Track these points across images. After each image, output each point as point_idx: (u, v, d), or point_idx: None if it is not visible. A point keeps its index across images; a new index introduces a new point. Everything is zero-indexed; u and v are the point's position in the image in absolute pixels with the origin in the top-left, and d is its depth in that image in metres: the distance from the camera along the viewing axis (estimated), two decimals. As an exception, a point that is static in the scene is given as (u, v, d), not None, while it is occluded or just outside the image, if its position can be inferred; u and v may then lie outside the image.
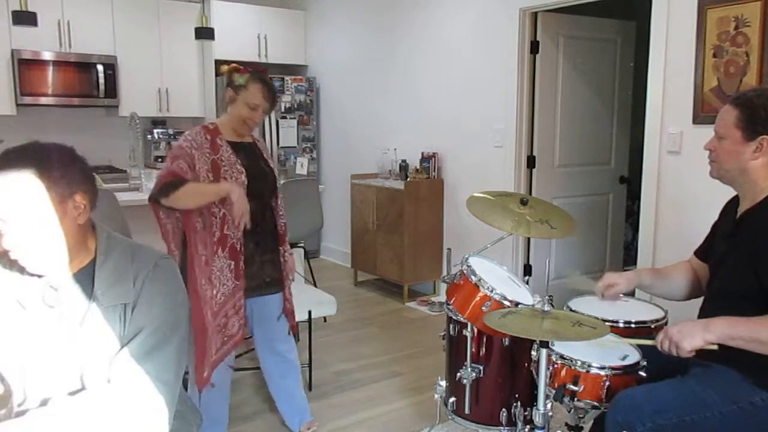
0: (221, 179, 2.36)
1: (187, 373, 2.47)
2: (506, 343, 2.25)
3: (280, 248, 2.63)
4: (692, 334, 1.67)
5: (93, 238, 1.46)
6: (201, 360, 2.42)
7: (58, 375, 1.41)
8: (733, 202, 1.94)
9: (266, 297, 2.58)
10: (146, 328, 1.41)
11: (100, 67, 5.38)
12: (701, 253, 2.10)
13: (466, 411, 2.30)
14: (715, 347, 1.67)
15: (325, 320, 4.25)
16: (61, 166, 1.36)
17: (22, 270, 1.41)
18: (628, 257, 5.07)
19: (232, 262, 2.42)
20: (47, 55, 5.18)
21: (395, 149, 5.21)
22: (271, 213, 2.59)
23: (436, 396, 2.43)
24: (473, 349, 2.26)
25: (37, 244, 1.35)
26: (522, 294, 2.28)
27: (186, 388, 2.43)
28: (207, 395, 2.50)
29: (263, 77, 2.48)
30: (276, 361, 2.70)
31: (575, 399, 1.83)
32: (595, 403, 1.84)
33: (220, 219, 2.40)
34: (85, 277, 1.42)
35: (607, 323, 1.96)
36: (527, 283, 2.41)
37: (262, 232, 2.52)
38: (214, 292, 2.40)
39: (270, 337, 2.66)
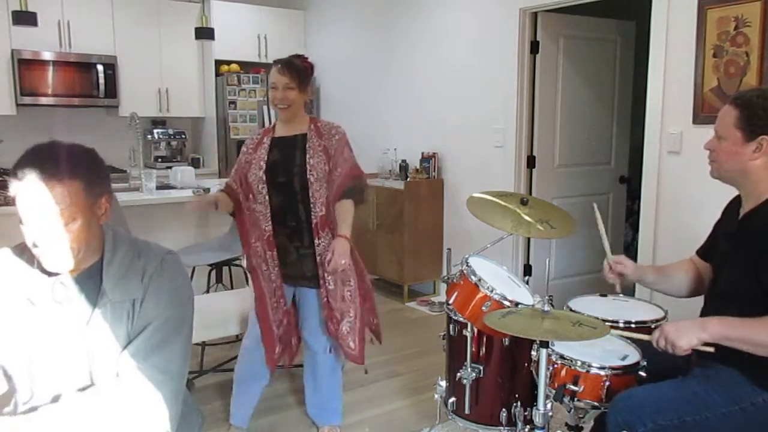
0: (246, 175, 2.58)
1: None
2: (506, 343, 2.25)
3: (315, 241, 2.55)
4: (688, 332, 1.67)
5: (102, 235, 1.48)
6: (269, 341, 2.62)
7: (66, 371, 1.42)
8: (736, 202, 1.93)
9: (304, 289, 2.63)
10: (153, 323, 1.43)
11: (100, 67, 5.38)
12: (703, 252, 2.09)
13: (466, 411, 2.30)
14: (712, 349, 1.66)
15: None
16: (94, 169, 1.39)
17: (31, 265, 1.42)
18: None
19: (272, 252, 2.57)
20: (47, 55, 5.18)
21: (395, 149, 5.20)
22: (305, 206, 2.52)
23: (436, 396, 2.43)
24: (473, 349, 2.26)
25: (62, 242, 1.35)
26: (522, 294, 2.28)
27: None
28: (251, 360, 2.68)
29: (282, 59, 2.56)
30: (308, 354, 2.75)
31: (575, 399, 1.83)
32: (595, 403, 1.84)
33: (252, 212, 2.59)
34: (94, 274, 1.44)
35: (607, 323, 1.96)
36: (527, 283, 2.41)
37: (293, 225, 2.54)
38: (268, 270, 2.59)
39: (306, 330, 2.68)
